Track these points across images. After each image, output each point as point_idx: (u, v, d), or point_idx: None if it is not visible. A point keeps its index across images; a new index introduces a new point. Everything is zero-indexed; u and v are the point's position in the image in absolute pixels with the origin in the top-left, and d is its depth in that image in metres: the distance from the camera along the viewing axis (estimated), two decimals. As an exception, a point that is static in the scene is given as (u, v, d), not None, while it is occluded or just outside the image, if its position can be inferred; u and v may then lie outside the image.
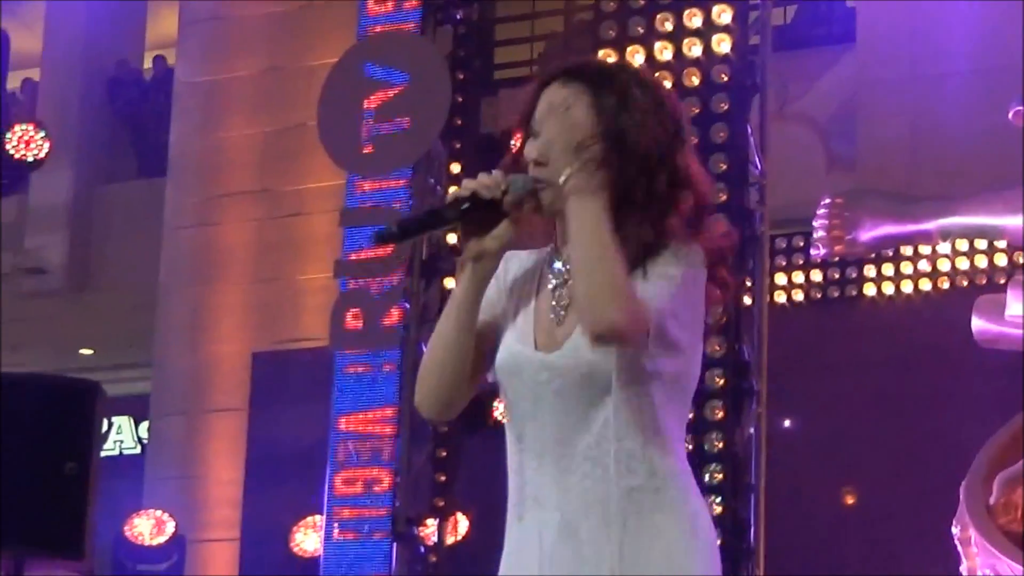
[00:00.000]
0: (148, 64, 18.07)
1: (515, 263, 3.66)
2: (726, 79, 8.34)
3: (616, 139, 3.54)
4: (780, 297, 11.16)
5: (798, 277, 11.49)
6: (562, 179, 3.47)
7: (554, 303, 3.58)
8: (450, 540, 10.99)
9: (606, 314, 3.41)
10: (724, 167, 8.26)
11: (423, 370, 3.60)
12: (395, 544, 10.22)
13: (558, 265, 3.60)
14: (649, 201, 3.56)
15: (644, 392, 3.52)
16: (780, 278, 11.33)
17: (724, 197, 8.22)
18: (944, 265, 11.16)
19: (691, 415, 8.06)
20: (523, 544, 3.56)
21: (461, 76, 11.07)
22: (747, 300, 8.27)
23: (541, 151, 3.54)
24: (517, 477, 3.60)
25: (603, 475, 3.50)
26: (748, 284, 8.31)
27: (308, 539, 12.14)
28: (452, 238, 9.06)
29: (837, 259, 10.92)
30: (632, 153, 3.54)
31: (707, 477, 8.00)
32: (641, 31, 8.46)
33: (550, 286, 3.61)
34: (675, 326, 3.53)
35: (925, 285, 11.19)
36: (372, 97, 10.10)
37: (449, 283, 9.99)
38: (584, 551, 3.48)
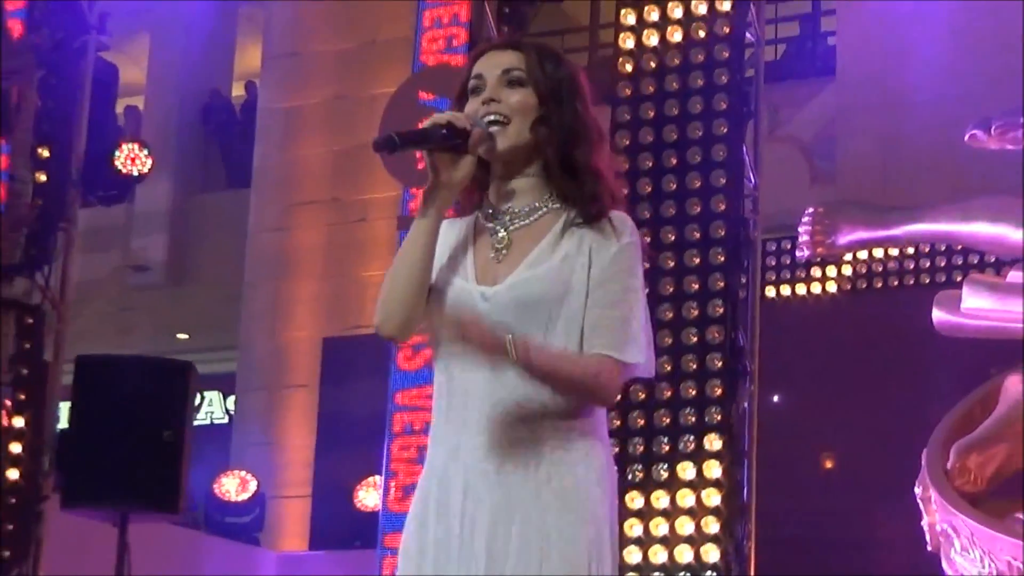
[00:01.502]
0: (236, 92, 18.10)
1: (449, 225, 3.45)
2: (725, 107, 8.30)
3: (554, 108, 3.39)
4: (771, 292, 11.12)
5: (786, 275, 11.46)
6: (509, 340, 3.23)
7: (497, 246, 3.35)
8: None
9: (600, 393, 3.30)
10: (723, 181, 8.22)
11: (385, 294, 3.34)
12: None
13: (495, 221, 3.39)
14: (579, 166, 3.38)
15: (577, 329, 3.30)
16: (771, 275, 11.28)
17: (723, 207, 8.18)
18: (910, 265, 11.12)
19: (693, 392, 8.12)
20: (448, 464, 3.30)
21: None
22: (742, 294, 8.19)
23: (503, 111, 3.36)
24: (443, 402, 3.35)
25: (533, 398, 3.26)
26: (743, 281, 8.23)
27: (369, 496, 12.09)
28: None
29: (819, 259, 10.87)
30: (566, 122, 3.39)
31: (708, 445, 7.92)
32: (653, 65, 8.43)
33: (490, 233, 3.38)
34: (628, 337, 3.32)
35: (894, 282, 11.17)
36: (424, 121, 10.01)
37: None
38: (508, 471, 3.25)
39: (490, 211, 3.42)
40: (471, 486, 3.26)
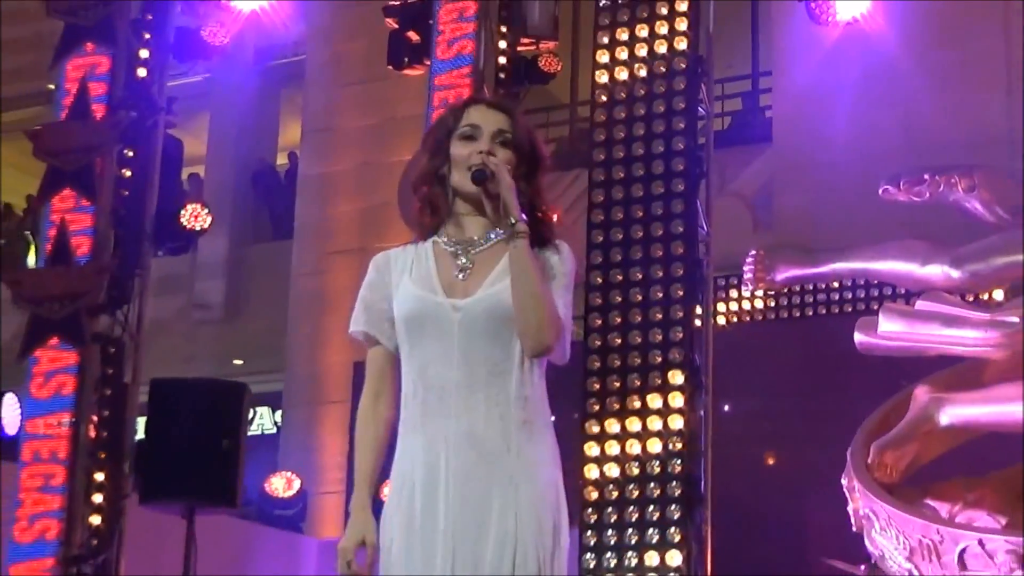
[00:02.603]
0: (280, 160, 18.13)
1: (396, 254, 3.49)
2: (682, 168, 8.28)
3: (528, 171, 3.45)
4: (721, 320, 11.14)
5: (733, 305, 11.50)
6: (513, 220, 3.33)
7: (461, 264, 3.38)
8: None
9: (544, 340, 3.29)
10: (681, 229, 8.19)
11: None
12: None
13: (455, 246, 3.42)
14: (541, 215, 3.46)
15: None
16: (721, 306, 11.33)
17: (681, 250, 8.18)
18: (836, 296, 11.19)
19: (659, 403, 8.16)
20: (433, 449, 3.29)
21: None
22: (698, 322, 8.20)
23: (502, 163, 3.41)
24: (419, 397, 3.34)
25: (502, 396, 3.30)
26: (699, 311, 8.23)
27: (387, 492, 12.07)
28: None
29: (761, 292, 10.92)
30: (535, 182, 3.47)
31: (671, 446, 7.90)
32: (622, 135, 8.43)
33: (453, 255, 3.41)
34: (567, 316, 3.40)
35: (823, 311, 11.21)
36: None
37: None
38: (486, 455, 3.26)
39: (448, 239, 3.45)
40: (455, 469, 3.27)
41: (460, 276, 3.39)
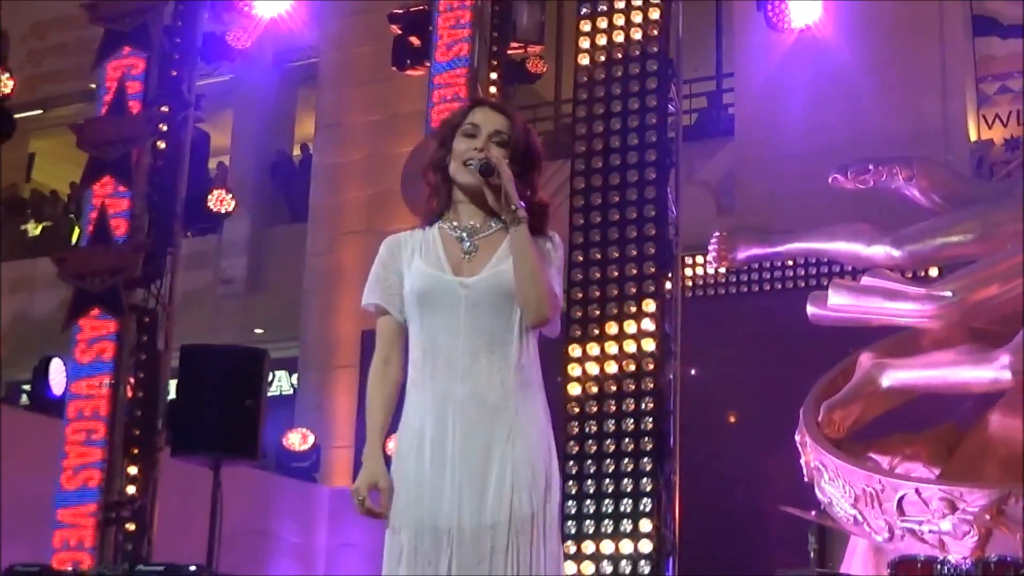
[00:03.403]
0: (296, 152, 18.08)
1: (405, 237, 3.54)
2: (654, 159, 8.27)
3: (521, 168, 3.46)
4: (689, 293, 11.12)
5: (699, 281, 11.49)
6: (514, 207, 3.36)
7: (467, 247, 3.41)
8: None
9: (544, 314, 3.33)
10: (653, 213, 8.19)
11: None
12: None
13: (460, 232, 3.45)
14: (534, 207, 3.46)
15: None
16: (689, 282, 11.30)
17: (653, 232, 8.19)
18: (790, 273, 11.16)
19: (633, 367, 8.15)
20: (441, 406, 3.31)
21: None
22: (668, 295, 8.18)
23: (501, 159, 3.42)
24: (429, 361, 3.36)
25: (503, 363, 3.33)
26: (669, 286, 8.22)
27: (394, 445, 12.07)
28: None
29: (724, 270, 10.90)
30: (527, 178, 3.47)
31: (644, 405, 7.92)
32: (601, 129, 8.43)
33: (457, 240, 3.44)
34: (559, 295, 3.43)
35: (778, 286, 11.19)
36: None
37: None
38: (489, 414, 3.30)
39: (452, 225, 3.48)
40: (461, 425, 3.31)
41: (466, 258, 3.43)
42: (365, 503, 3.35)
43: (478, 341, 3.35)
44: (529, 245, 3.34)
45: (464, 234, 3.46)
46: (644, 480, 7.80)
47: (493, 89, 9.93)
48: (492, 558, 3.24)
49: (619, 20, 8.55)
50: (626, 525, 7.75)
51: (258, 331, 17.07)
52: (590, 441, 7.97)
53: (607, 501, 7.84)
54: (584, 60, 8.59)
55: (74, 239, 15.92)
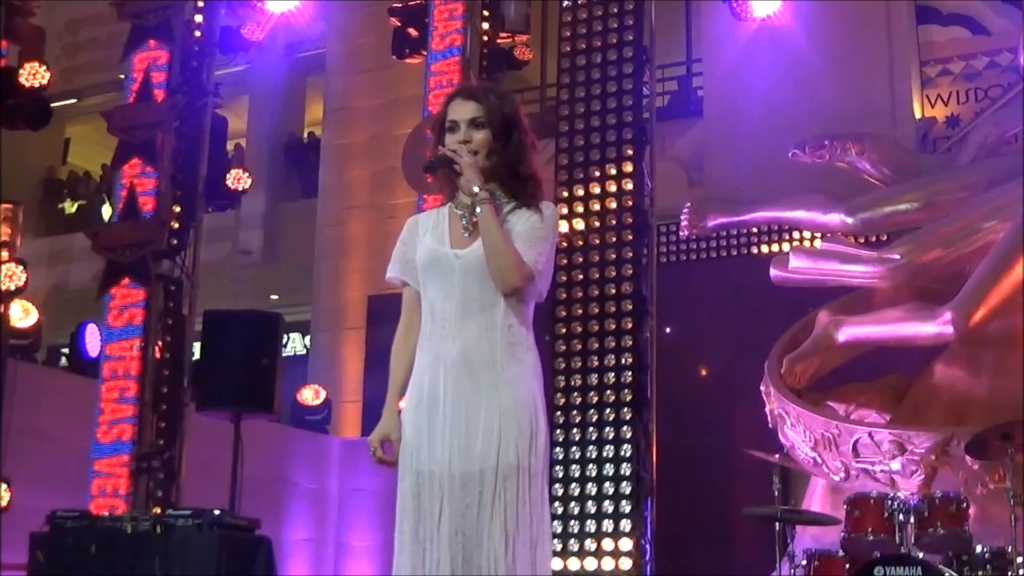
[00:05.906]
0: (306, 133, 18.05)
1: (423, 218, 3.57)
2: (631, 136, 8.28)
3: (503, 143, 3.43)
4: (663, 259, 11.12)
5: (672, 247, 11.47)
6: (476, 189, 3.35)
7: (464, 224, 3.41)
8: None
9: (511, 282, 3.31)
10: (631, 186, 8.20)
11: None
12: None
13: (460, 209, 3.44)
14: (521, 176, 3.45)
15: None
16: (663, 248, 11.29)
17: (630, 203, 8.18)
18: (755, 239, 11.13)
19: (613, 326, 8.15)
20: (434, 365, 3.33)
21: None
22: (644, 261, 8.19)
23: (472, 148, 3.40)
24: (428, 325, 3.38)
25: (491, 324, 3.32)
26: (645, 252, 8.22)
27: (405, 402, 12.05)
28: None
29: (694, 237, 10.89)
30: (511, 150, 3.44)
31: (623, 360, 7.94)
32: (582, 110, 8.42)
33: (460, 216, 3.44)
34: (537, 263, 3.36)
35: (744, 251, 11.18)
36: (427, 150, 9.98)
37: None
38: (476, 369, 3.30)
39: (457, 206, 3.48)
40: (451, 380, 3.32)
41: (466, 234, 3.44)
42: (377, 453, 3.41)
43: (468, 306, 3.35)
44: (492, 222, 3.32)
45: (465, 212, 3.46)
46: (624, 428, 7.83)
47: (484, 76, 9.88)
48: (480, 501, 3.24)
49: (598, 12, 8.57)
50: (608, 468, 7.79)
51: (273, 297, 17.09)
52: (575, 393, 7.98)
53: (591, 447, 7.87)
54: (567, 48, 8.59)
55: (106, 216, 15.87)
